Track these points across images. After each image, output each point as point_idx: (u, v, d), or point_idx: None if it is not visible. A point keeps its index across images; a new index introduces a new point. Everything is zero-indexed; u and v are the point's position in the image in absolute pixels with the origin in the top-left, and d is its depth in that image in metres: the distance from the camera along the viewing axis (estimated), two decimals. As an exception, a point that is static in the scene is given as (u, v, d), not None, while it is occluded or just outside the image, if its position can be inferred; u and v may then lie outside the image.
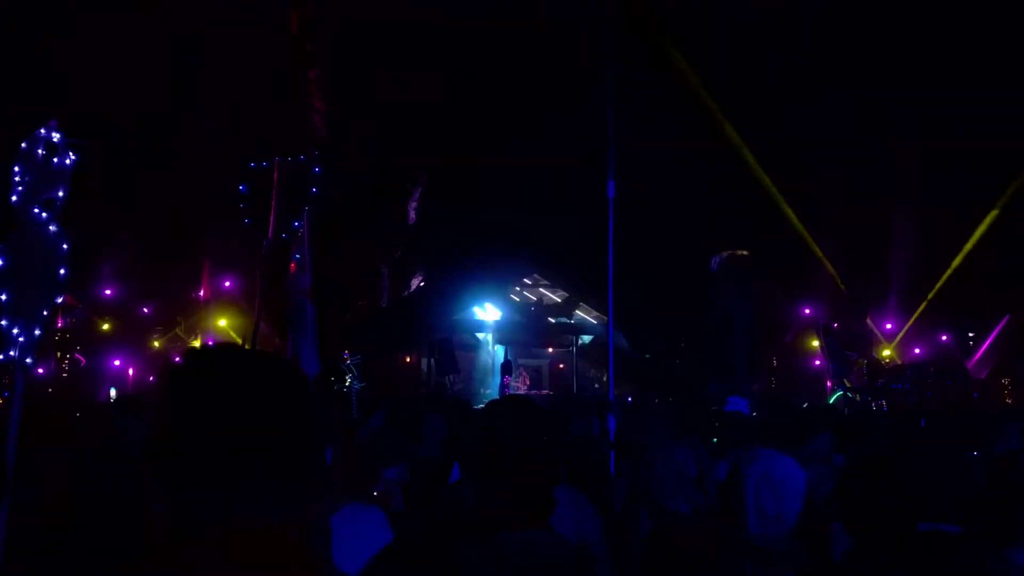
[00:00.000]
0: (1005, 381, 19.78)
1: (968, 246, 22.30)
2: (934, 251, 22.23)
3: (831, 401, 17.28)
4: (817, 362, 21.04)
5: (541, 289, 25.27)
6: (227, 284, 22.11)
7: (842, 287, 22.72)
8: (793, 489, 2.22)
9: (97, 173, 16.12)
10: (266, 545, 1.14)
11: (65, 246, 3.90)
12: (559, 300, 24.86)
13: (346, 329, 20.01)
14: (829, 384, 18.43)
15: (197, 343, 19.38)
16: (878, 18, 22.11)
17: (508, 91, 22.97)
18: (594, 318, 24.46)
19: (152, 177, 20.34)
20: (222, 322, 21.16)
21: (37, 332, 3.86)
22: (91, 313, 19.45)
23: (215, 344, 1.30)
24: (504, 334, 24.10)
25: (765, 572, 2.16)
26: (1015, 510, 2.33)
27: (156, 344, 20.56)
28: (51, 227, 3.91)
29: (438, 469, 4.35)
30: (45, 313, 3.88)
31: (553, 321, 24.56)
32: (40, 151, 3.92)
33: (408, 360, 22.99)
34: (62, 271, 3.92)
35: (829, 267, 23.03)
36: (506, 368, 21.72)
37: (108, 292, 20.63)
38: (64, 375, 17.86)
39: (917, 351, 22.88)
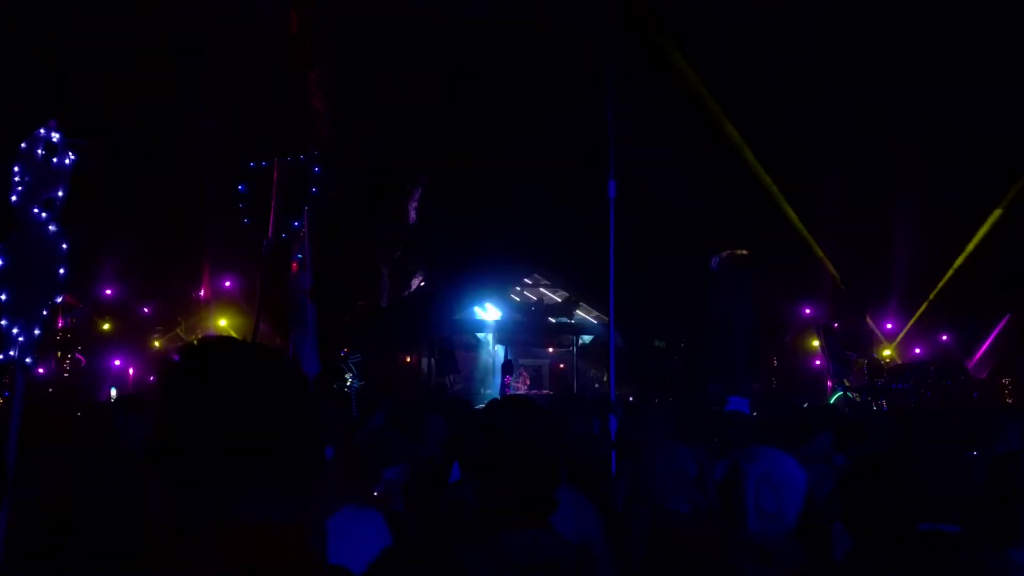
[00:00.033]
0: (1005, 381, 19.78)
1: (970, 246, 22.30)
2: (934, 251, 22.23)
3: (831, 401, 17.27)
4: (817, 362, 21.04)
5: (541, 289, 25.27)
6: (227, 284, 22.12)
7: (842, 286, 22.71)
8: (793, 488, 2.22)
9: (97, 173, 16.12)
10: (266, 545, 1.13)
11: (65, 246, 3.90)
12: (559, 300, 24.85)
13: (346, 329, 20.01)
14: (829, 384, 18.42)
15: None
16: (878, 18, 22.11)
17: (508, 91, 22.97)
18: (594, 318, 24.46)
19: (152, 177, 20.34)
20: (222, 322, 21.16)
21: (37, 332, 3.86)
22: (91, 313, 19.45)
23: (212, 339, 1.28)
24: (504, 334, 24.10)
25: (765, 572, 2.15)
26: (1015, 510, 2.33)
27: (157, 344, 20.56)
28: (51, 227, 3.91)
29: (438, 469, 4.35)
30: (45, 313, 3.88)
31: (553, 321, 24.55)
32: (40, 151, 3.92)
33: (408, 360, 22.99)
34: (62, 271, 3.92)
35: (830, 267, 23.03)
36: (507, 368, 21.72)
37: (108, 292, 20.63)
38: (65, 375, 17.86)
39: (917, 351, 22.88)
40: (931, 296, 22.75)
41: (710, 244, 21.79)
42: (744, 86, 22.02)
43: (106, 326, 19.69)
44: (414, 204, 25.61)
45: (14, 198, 3.89)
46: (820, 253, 23.02)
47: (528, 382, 24.24)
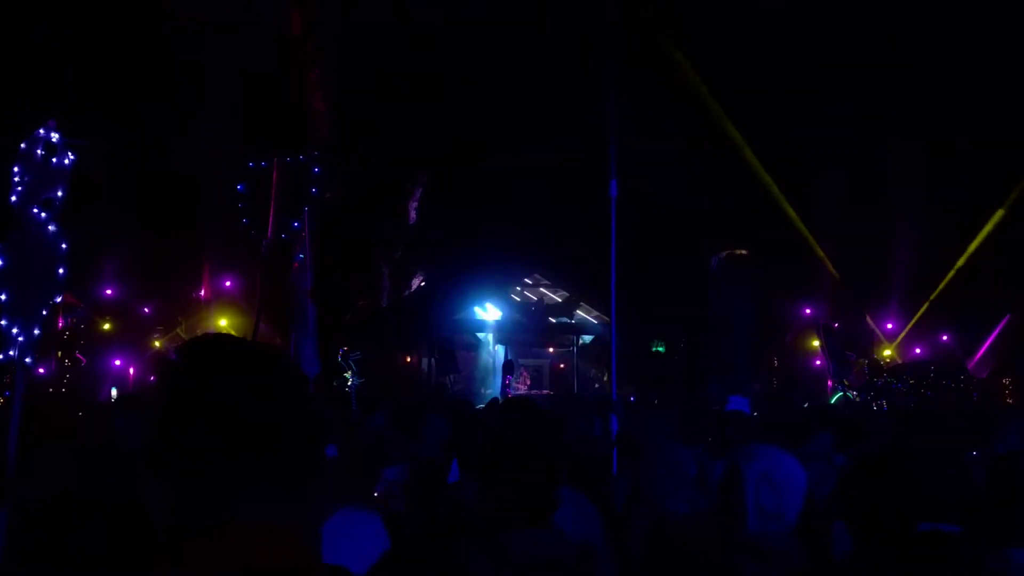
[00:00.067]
0: (1006, 381, 19.78)
1: (972, 246, 22.29)
2: (935, 251, 22.22)
3: (832, 401, 17.28)
4: (817, 362, 21.05)
5: (542, 289, 25.27)
6: (227, 284, 22.12)
7: (843, 285, 22.70)
8: (793, 487, 2.22)
9: (97, 173, 16.12)
10: (266, 545, 1.13)
11: (64, 246, 3.91)
12: (560, 300, 24.86)
13: (346, 329, 20.01)
14: (830, 384, 18.43)
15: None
16: (878, 18, 22.11)
17: (508, 91, 22.96)
18: (595, 318, 24.47)
19: (152, 177, 20.34)
20: (223, 322, 21.17)
21: (36, 332, 3.86)
22: (92, 313, 19.45)
23: (212, 338, 1.28)
24: (505, 334, 24.10)
25: (765, 572, 2.15)
26: (1015, 510, 2.33)
27: (157, 344, 20.56)
28: (50, 227, 3.91)
29: (438, 469, 4.35)
30: (44, 313, 3.89)
31: (554, 321, 24.55)
32: (39, 151, 3.92)
33: (408, 360, 22.99)
34: (61, 271, 3.93)
35: (830, 266, 23.02)
36: (508, 368, 21.73)
37: (109, 292, 20.63)
38: (66, 376, 17.86)
39: (918, 351, 22.89)
40: (932, 296, 22.74)
41: (710, 244, 21.81)
42: (744, 86, 22.02)
43: (106, 326, 19.69)
44: (414, 204, 25.61)
45: (14, 198, 3.89)
46: (820, 253, 23.03)
47: (528, 382, 24.25)
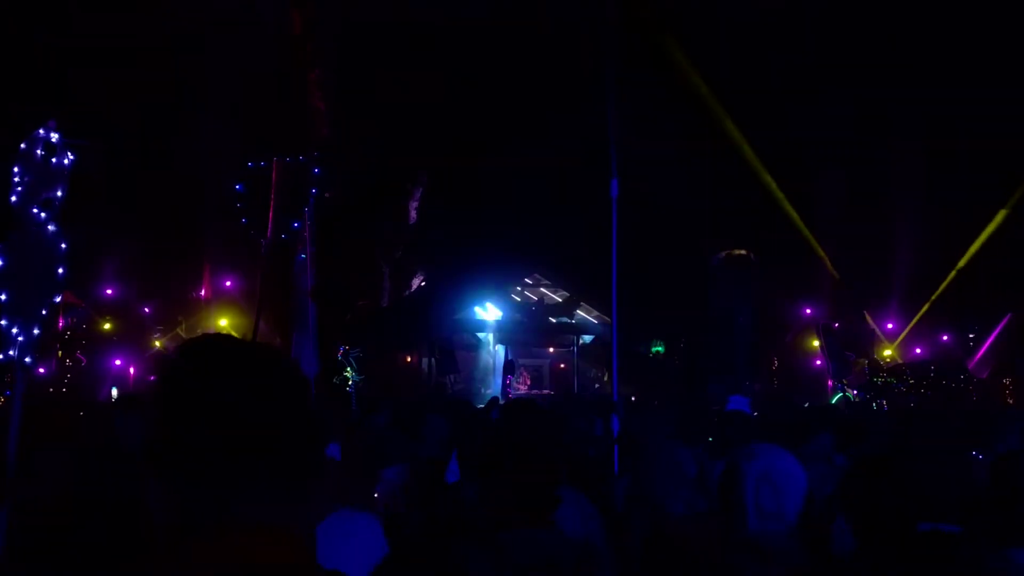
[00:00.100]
0: (1006, 381, 19.78)
1: (975, 246, 22.27)
2: (935, 251, 22.21)
3: (833, 402, 17.28)
4: (817, 362, 21.05)
5: (542, 289, 25.28)
6: (228, 284, 22.13)
7: (835, 275, 22.69)
8: (793, 486, 2.22)
9: (97, 173, 16.12)
10: (266, 545, 1.13)
11: (63, 245, 3.91)
12: (560, 300, 24.86)
13: (346, 329, 20.01)
14: (830, 384, 18.43)
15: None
16: (878, 18, 22.10)
17: (508, 91, 22.96)
18: (595, 318, 24.47)
19: (152, 177, 20.34)
20: (223, 322, 21.18)
21: (36, 331, 3.86)
22: (92, 313, 19.45)
23: (211, 338, 1.28)
24: (505, 334, 24.11)
25: (766, 572, 2.15)
26: (1015, 510, 2.33)
27: (157, 344, 20.56)
28: (50, 227, 3.91)
29: (438, 469, 4.35)
30: (44, 313, 3.89)
31: (554, 321, 24.56)
32: (39, 151, 3.93)
33: (408, 360, 23.00)
34: (60, 270, 3.93)
35: (829, 265, 23.01)
36: (509, 368, 21.73)
37: (109, 292, 20.64)
38: (67, 376, 17.87)
39: (918, 351, 22.88)
40: (933, 297, 22.73)
41: (710, 244, 21.80)
42: (744, 86, 22.01)
43: (107, 326, 19.69)
44: (414, 204, 25.62)
45: (14, 198, 3.89)
46: (821, 253, 23.03)
47: (528, 382, 24.26)
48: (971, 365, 20.51)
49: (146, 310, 21.16)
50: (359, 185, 22.39)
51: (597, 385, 24.12)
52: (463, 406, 6.81)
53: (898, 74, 21.03)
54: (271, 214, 10.18)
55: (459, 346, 22.27)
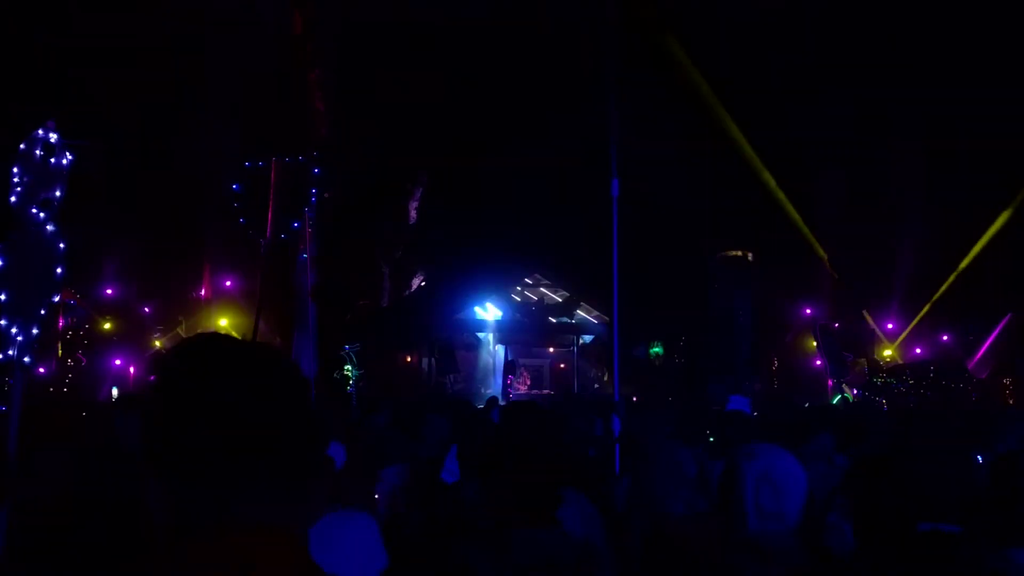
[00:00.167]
0: (1006, 381, 19.78)
1: (977, 247, 22.27)
2: (935, 251, 22.21)
3: (833, 402, 17.29)
4: (818, 362, 21.07)
5: (542, 289, 25.29)
6: (228, 284, 22.13)
7: (835, 274, 22.68)
8: (793, 486, 2.22)
9: (97, 173, 16.12)
10: (266, 545, 1.13)
11: (62, 245, 3.91)
12: (560, 300, 24.87)
13: (346, 329, 20.01)
14: (830, 384, 18.44)
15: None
16: (878, 18, 22.10)
17: (508, 91, 22.96)
18: (595, 318, 24.47)
19: (152, 177, 20.34)
20: (223, 322, 21.18)
21: (35, 331, 3.86)
22: (92, 312, 19.46)
23: (209, 337, 1.27)
24: (505, 334, 24.12)
25: (766, 572, 2.15)
26: (1015, 510, 2.33)
27: (157, 344, 20.57)
28: (48, 227, 3.92)
29: (438, 469, 4.35)
30: (43, 312, 3.89)
31: (554, 321, 24.57)
32: (38, 151, 3.93)
33: (408, 360, 23.00)
34: (59, 270, 3.93)
35: (823, 256, 22.97)
36: (510, 368, 21.73)
37: (109, 292, 20.65)
38: (67, 376, 17.87)
39: (918, 351, 22.89)
40: (935, 297, 22.73)
41: (710, 244, 21.80)
42: (745, 86, 22.01)
43: (107, 326, 19.70)
44: (414, 204, 25.62)
45: (13, 199, 3.89)
46: (821, 253, 23.03)
47: (528, 382, 24.26)
48: (971, 365, 20.52)
49: (146, 310, 21.16)
50: (359, 185, 22.39)
51: (597, 385, 24.12)
52: (463, 406, 6.81)
53: (898, 74, 21.03)
54: (270, 214, 10.18)
55: (459, 346, 22.28)
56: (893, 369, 19.80)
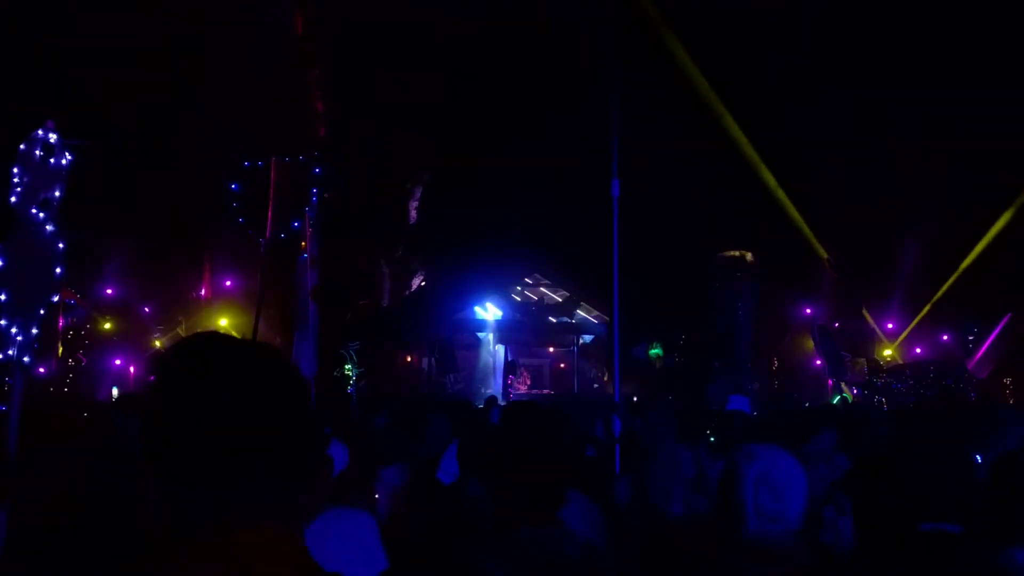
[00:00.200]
0: (1007, 381, 19.78)
1: (979, 247, 22.27)
2: (936, 251, 22.20)
3: (833, 402, 17.29)
4: (818, 362, 21.07)
5: (542, 288, 25.29)
6: (228, 284, 22.13)
7: (835, 274, 22.67)
8: (793, 488, 2.21)
9: (97, 173, 16.11)
10: (266, 545, 1.13)
11: (61, 245, 3.92)
12: (560, 300, 24.87)
13: (347, 329, 20.01)
14: (830, 383, 18.45)
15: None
16: (878, 18, 22.09)
17: (508, 91, 22.95)
18: (595, 317, 24.47)
19: (152, 177, 20.33)
20: (223, 322, 21.18)
21: (35, 331, 3.86)
22: (92, 312, 19.46)
23: (207, 336, 1.27)
24: (505, 333, 24.13)
25: (766, 572, 2.15)
26: (1015, 510, 2.32)
27: (157, 344, 20.56)
28: (48, 227, 3.92)
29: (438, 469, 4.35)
30: (42, 312, 3.89)
31: (554, 320, 24.58)
32: (38, 151, 3.93)
33: (409, 359, 23.00)
34: (58, 270, 3.93)
35: (824, 255, 22.95)
36: (510, 368, 21.74)
37: (109, 292, 20.65)
38: (68, 376, 17.87)
39: (918, 351, 22.88)
40: (936, 297, 22.73)
41: (710, 244, 21.80)
42: (745, 86, 22.00)
43: (107, 326, 19.70)
44: (414, 204, 25.61)
45: (13, 199, 3.90)
46: (823, 253, 23.03)
47: (528, 382, 24.27)
48: (971, 365, 20.52)
49: (146, 310, 21.16)
50: (359, 185, 22.38)
51: (596, 385, 24.12)
52: (463, 406, 6.81)
53: (898, 74, 21.02)
54: (270, 214, 10.19)
55: (459, 346, 22.29)
56: (893, 369, 19.79)
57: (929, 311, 22.89)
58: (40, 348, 4.21)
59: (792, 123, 21.99)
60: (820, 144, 22.49)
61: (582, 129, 18.12)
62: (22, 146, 3.95)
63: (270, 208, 10.04)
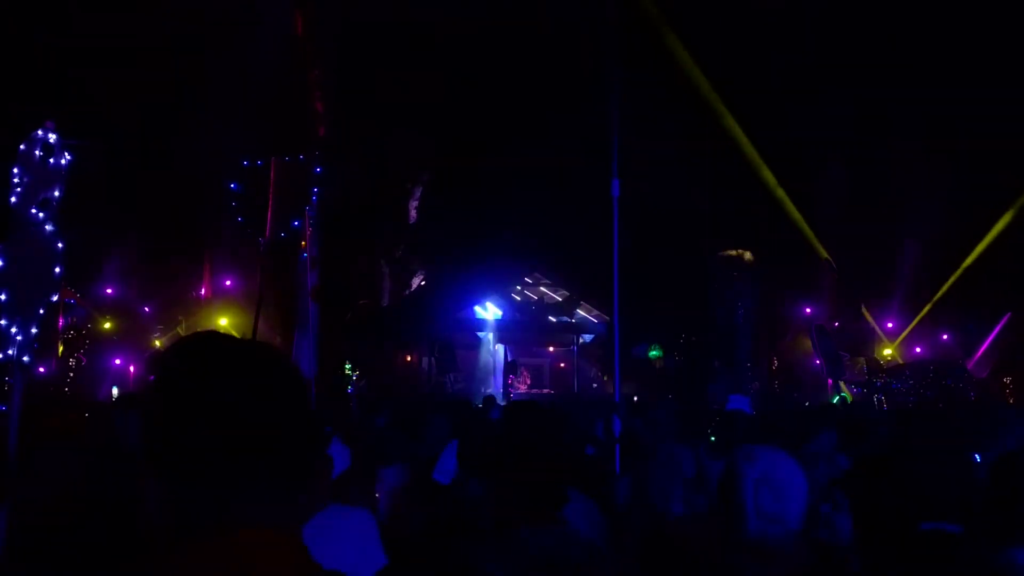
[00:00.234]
0: (1007, 380, 19.78)
1: (980, 247, 22.27)
2: (936, 251, 22.21)
3: (833, 402, 17.28)
4: (817, 362, 21.07)
5: (542, 288, 25.29)
6: (228, 284, 22.13)
7: (835, 274, 22.68)
8: (793, 489, 2.21)
9: (97, 173, 16.11)
10: (266, 545, 1.13)
11: (60, 245, 3.92)
12: (560, 299, 24.87)
13: (347, 328, 20.01)
14: (830, 383, 18.45)
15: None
16: (878, 18, 22.09)
17: (508, 91, 22.95)
18: (595, 317, 24.47)
19: (152, 177, 20.34)
20: (223, 321, 21.18)
21: (34, 331, 3.86)
22: (92, 312, 19.46)
23: (207, 336, 1.27)
24: (505, 333, 24.13)
25: (766, 572, 2.15)
26: (1015, 510, 2.32)
27: (157, 343, 20.56)
28: (47, 226, 3.92)
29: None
30: (42, 312, 3.89)
31: (554, 320, 24.57)
32: (38, 152, 3.93)
33: (409, 359, 23.01)
34: (57, 270, 3.94)
35: (824, 255, 22.96)
36: (511, 368, 21.73)
37: (109, 291, 20.65)
38: (68, 375, 17.87)
39: (918, 350, 22.88)
40: (936, 297, 22.74)
41: (710, 244, 21.80)
42: (745, 86, 22.01)
43: (107, 326, 19.70)
44: (414, 204, 25.62)
45: (13, 199, 3.90)
46: (823, 253, 23.03)
47: (528, 381, 24.27)
48: (971, 364, 20.52)
49: (146, 310, 21.16)
50: (359, 185, 22.38)
51: (596, 385, 24.12)
52: (463, 406, 6.81)
53: (898, 74, 21.02)
54: (270, 213, 10.19)
55: (459, 345, 22.29)
56: (893, 369, 19.78)
57: (929, 311, 22.89)
58: (40, 348, 4.22)
59: (792, 123, 21.98)
60: (820, 144, 22.49)
61: (582, 129, 18.13)
62: (22, 146, 3.95)
63: (270, 208, 10.04)
